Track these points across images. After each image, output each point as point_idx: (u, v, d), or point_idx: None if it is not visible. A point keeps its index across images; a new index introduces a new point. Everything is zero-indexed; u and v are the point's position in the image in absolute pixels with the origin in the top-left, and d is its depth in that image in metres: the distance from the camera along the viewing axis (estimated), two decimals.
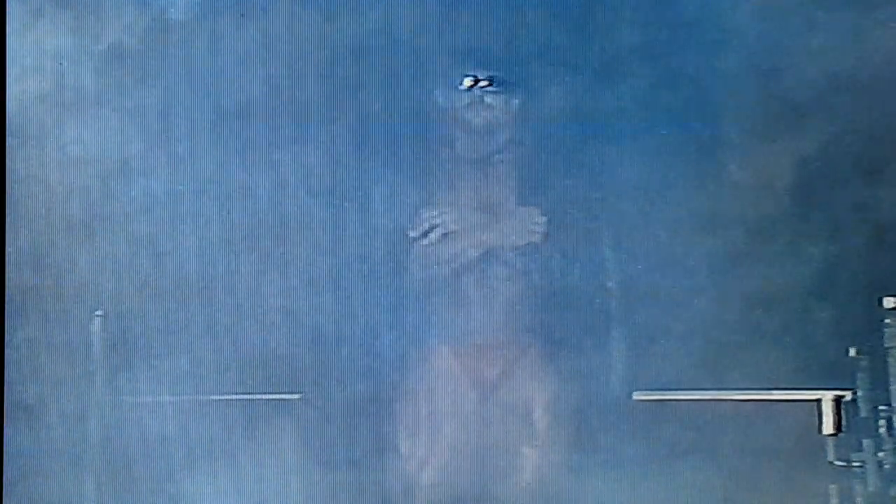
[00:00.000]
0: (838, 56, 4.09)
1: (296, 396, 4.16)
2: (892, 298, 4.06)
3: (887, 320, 4.06)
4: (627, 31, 4.14)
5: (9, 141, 4.09)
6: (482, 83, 4.13)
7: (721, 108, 4.14)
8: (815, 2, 4.13)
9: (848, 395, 4.08)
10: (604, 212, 4.13)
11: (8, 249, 4.05)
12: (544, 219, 4.12)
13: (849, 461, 4.06)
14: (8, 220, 4.06)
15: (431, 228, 4.13)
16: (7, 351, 4.03)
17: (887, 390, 4.06)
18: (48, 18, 4.12)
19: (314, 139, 4.15)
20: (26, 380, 4.04)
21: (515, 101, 4.15)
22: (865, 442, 4.06)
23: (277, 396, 4.15)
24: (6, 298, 4.05)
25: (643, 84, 4.12)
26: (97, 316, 4.15)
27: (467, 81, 4.13)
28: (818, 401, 4.09)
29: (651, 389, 4.11)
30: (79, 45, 4.14)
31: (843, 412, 4.07)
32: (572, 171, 4.11)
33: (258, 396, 4.15)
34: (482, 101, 4.14)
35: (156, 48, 4.15)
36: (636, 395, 4.12)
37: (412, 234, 4.13)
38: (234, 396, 4.14)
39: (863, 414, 4.07)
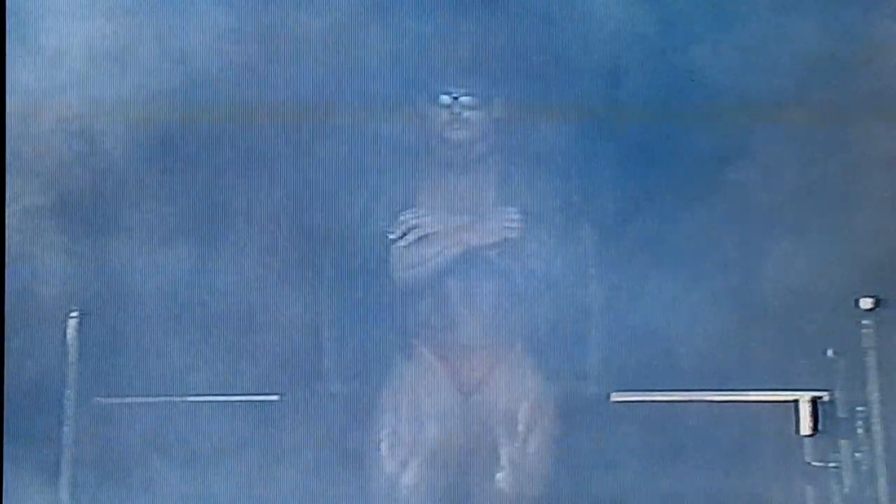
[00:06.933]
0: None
1: (274, 398, 4.16)
2: (869, 300, 4.06)
3: (864, 321, 4.07)
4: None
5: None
6: (462, 99, 4.16)
7: (702, 116, 4.15)
8: None
9: (825, 396, 4.09)
10: (584, 213, 4.14)
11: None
12: (519, 216, 4.14)
13: (826, 461, 4.08)
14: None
15: (410, 230, 4.14)
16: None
17: (864, 391, 4.06)
18: None
19: (295, 144, 4.16)
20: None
21: (493, 111, 4.17)
22: (842, 442, 4.07)
23: (258, 398, 4.15)
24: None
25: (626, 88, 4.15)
26: (72, 317, 4.14)
27: (446, 99, 4.16)
28: (795, 401, 4.10)
29: (629, 390, 4.12)
30: None
31: (820, 413, 4.08)
32: (551, 174, 4.13)
33: (239, 398, 4.15)
34: (460, 115, 4.16)
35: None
36: (614, 397, 4.13)
37: (392, 235, 4.15)
38: (214, 398, 4.14)
39: (840, 415, 4.08)
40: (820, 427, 4.08)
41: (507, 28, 4.15)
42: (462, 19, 4.15)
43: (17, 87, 4.10)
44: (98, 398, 4.15)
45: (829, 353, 4.09)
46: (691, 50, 4.15)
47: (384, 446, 4.09)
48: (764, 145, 4.17)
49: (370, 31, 4.15)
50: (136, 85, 4.15)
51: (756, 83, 4.16)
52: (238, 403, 4.13)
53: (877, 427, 4.04)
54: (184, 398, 4.13)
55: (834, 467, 4.07)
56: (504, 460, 4.09)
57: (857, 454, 4.06)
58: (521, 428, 4.10)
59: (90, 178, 4.18)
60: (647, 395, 4.11)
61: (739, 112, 4.15)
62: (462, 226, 4.16)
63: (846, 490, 4.06)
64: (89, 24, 4.17)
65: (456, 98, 4.15)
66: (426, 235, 4.15)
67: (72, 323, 4.14)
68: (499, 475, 4.09)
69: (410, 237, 4.14)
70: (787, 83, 4.15)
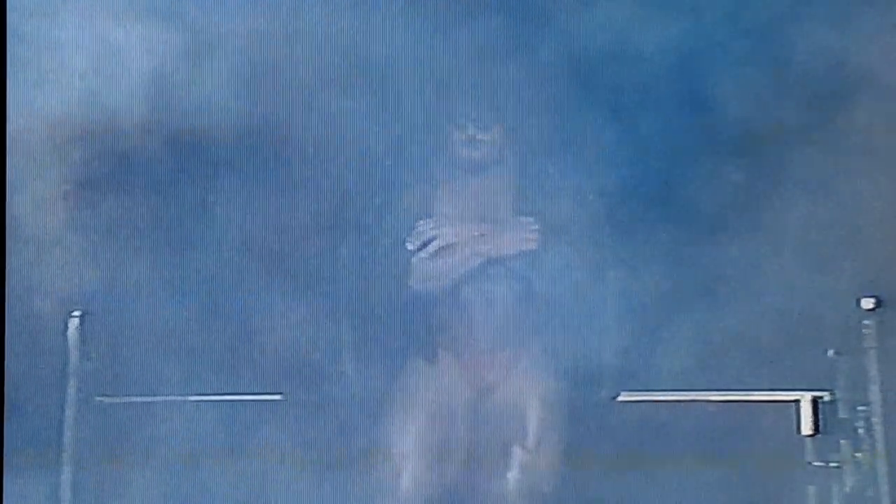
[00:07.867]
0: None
1: (277, 397, 4.16)
2: (870, 300, 4.08)
3: (865, 321, 4.09)
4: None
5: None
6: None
7: (708, 123, 4.18)
8: None
9: (826, 396, 4.11)
10: (602, 217, 4.16)
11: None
12: (538, 226, 4.15)
13: (827, 461, 4.10)
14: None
15: (428, 241, 4.14)
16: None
17: (866, 391, 4.09)
18: None
19: (314, 154, 4.16)
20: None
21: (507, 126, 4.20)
22: (843, 443, 4.09)
23: (259, 398, 4.15)
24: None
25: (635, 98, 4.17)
26: (73, 317, 4.13)
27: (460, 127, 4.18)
28: (796, 401, 4.12)
29: (634, 390, 4.14)
30: None
31: (821, 413, 4.10)
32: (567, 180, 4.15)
33: (241, 398, 4.14)
34: (476, 137, 4.17)
35: None
36: (621, 396, 4.14)
37: (410, 246, 4.14)
38: (215, 398, 4.13)
39: (841, 415, 4.10)
40: (821, 427, 4.10)
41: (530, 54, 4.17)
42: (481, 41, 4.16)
43: (17, 87, 4.08)
44: (98, 398, 4.14)
45: (830, 353, 4.11)
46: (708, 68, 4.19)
47: (398, 447, 4.09)
48: (765, 146, 4.19)
49: (387, 42, 4.16)
50: (139, 84, 4.14)
51: (760, 89, 4.20)
52: (241, 404, 4.13)
53: (878, 427, 4.07)
54: (185, 398, 4.12)
55: (835, 467, 4.09)
56: (516, 461, 4.09)
57: (858, 454, 4.08)
58: (533, 428, 4.10)
59: (92, 177, 4.16)
60: (651, 395, 4.12)
61: (742, 114, 4.18)
62: (480, 236, 4.15)
63: (847, 490, 4.08)
64: (91, 24, 4.16)
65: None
66: (445, 246, 4.14)
67: (72, 323, 4.13)
68: (510, 475, 4.09)
69: (429, 248, 4.13)
70: (790, 85, 4.18)
